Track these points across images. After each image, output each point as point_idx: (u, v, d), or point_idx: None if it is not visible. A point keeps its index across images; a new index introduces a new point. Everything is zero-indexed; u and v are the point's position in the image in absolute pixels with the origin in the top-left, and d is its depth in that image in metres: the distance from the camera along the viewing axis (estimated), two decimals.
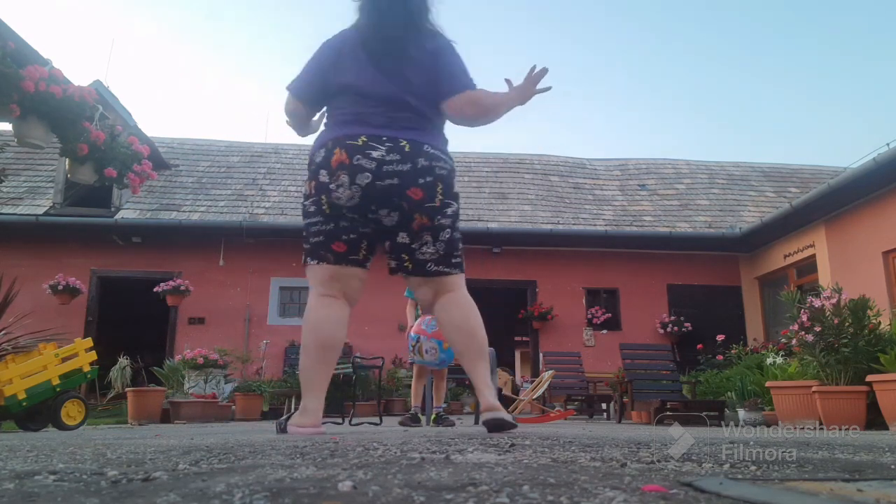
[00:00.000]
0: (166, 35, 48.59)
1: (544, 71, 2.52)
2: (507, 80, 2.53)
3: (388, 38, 2.46)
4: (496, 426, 2.24)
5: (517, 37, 45.91)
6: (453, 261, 2.47)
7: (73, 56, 51.98)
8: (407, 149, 2.33)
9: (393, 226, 2.38)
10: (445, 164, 2.42)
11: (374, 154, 2.31)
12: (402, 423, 4.19)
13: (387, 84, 2.42)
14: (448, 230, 2.42)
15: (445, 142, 2.51)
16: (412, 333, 4.01)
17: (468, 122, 2.51)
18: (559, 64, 43.86)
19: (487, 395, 2.34)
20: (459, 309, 2.46)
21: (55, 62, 3.91)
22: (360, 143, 2.33)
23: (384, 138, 2.34)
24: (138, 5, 48.31)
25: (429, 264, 2.42)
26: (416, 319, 4.31)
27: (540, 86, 2.53)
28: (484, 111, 2.48)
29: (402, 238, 2.40)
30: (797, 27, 39.93)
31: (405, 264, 2.45)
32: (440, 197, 2.36)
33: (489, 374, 2.44)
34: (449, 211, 2.40)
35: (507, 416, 2.30)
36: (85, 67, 55.46)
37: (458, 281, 2.51)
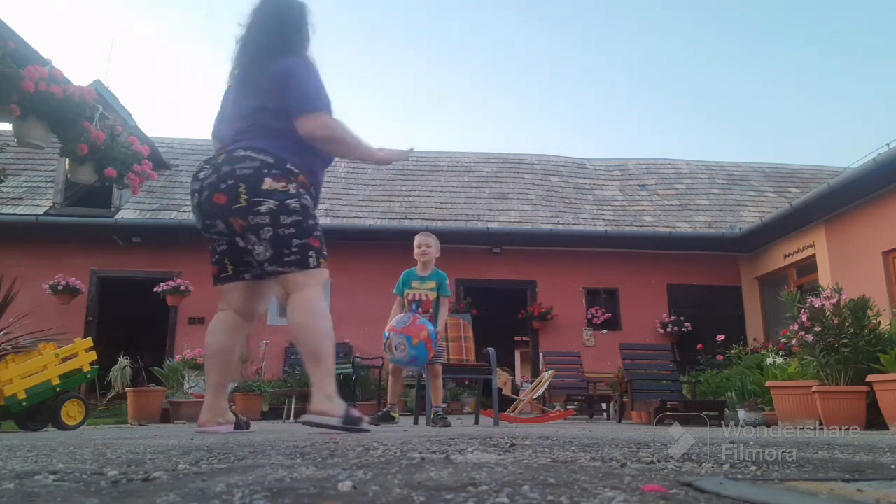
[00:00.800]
0: (166, 35, 48.60)
1: (412, 151, 2.92)
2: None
3: (249, 69, 2.68)
4: (308, 423, 2.36)
5: (517, 37, 45.89)
6: (286, 259, 2.46)
7: (73, 56, 51.98)
8: (220, 160, 2.52)
9: (228, 234, 2.54)
10: (252, 162, 2.47)
11: (201, 174, 2.56)
12: (373, 422, 4.03)
13: (241, 109, 2.66)
14: (268, 228, 2.44)
15: (285, 148, 2.55)
16: (385, 331, 4.02)
17: (317, 143, 2.61)
18: (559, 64, 43.85)
19: (315, 397, 2.37)
20: (297, 311, 2.48)
21: (55, 62, 3.90)
22: (199, 169, 2.61)
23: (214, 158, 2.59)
24: (138, 5, 48.32)
25: (265, 264, 2.50)
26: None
27: (399, 159, 2.87)
28: (331, 139, 2.61)
29: (241, 243, 2.53)
30: (797, 27, 39.94)
31: (254, 267, 2.59)
32: (245, 196, 2.42)
33: (324, 377, 2.39)
34: (262, 209, 2.42)
35: (324, 420, 2.31)
36: (85, 67, 55.46)
37: (302, 280, 2.49)
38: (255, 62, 2.66)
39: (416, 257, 4.57)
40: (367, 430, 2.34)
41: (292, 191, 2.47)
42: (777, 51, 41.18)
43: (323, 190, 3.01)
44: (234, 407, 4.91)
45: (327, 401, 2.33)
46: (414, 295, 4.51)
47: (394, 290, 4.64)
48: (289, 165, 2.51)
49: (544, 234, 10.41)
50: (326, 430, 2.27)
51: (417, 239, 4.58)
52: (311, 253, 2.48)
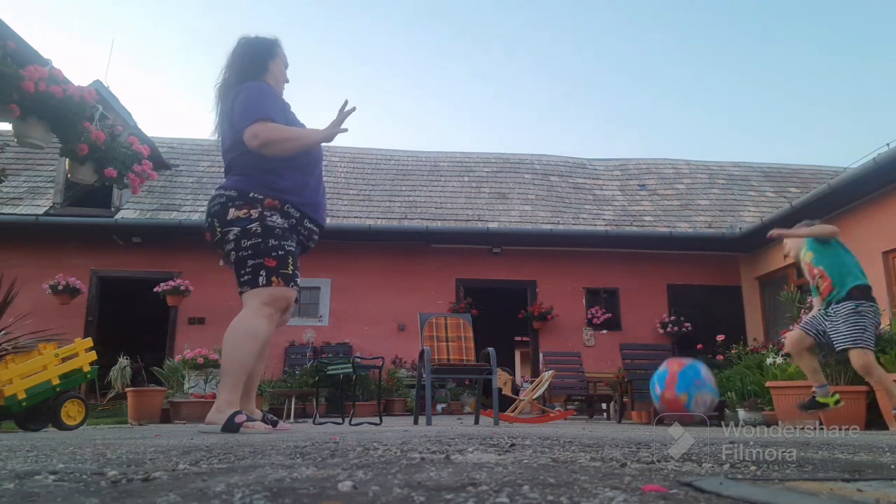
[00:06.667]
0: (166, 35, 48.60)
1: (353, 109, 2.85)
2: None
3: (224, 108, 2.92)
4: (202, 432, 2.63)
5: (517, 36, 45.89)
6: (242, 279, 2.75)
7: (73, 56, 51.99)
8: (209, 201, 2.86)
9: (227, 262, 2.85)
10: (220, 197, 2.77)
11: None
12: (801, 409, 3.97)
13: (222, 150, 2.93)
14: (233, 252, 2.74)
15: (247, 181, 2.78)
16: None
17: (262, 151, 2.75)
18: (560, 64, 43.86)
19: (213, 406, 2.68)
20: (229, 326, 2.73)
21: (55, 62, 3.91)
22: None
23: None
24: (138, 5, 48.31)
25: (237, 286, 2.80)
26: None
27: (344, 125, 2.86)
28: (265, 144, 2.74)
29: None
30: (797, 27, 39.95)
31: None
32: (218, 229, 2.76)
33: (222, 389, 2.68)
34: (230, 236, 2.73)
35: (210, 429, 2.58)
36: (85, 67, 55.46)
37: (247, 298, 2.75)
38: (225, 100, 2.91)
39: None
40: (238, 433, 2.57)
41: (254, 216, 2.71)
42: (777, 51, 41.20)
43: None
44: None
45: (217, 412, 2.63)
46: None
47: None
48: (252, 194, 2.74)
49: (544, 234, 10.41)
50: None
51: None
52: (262, 272, 2.70)
